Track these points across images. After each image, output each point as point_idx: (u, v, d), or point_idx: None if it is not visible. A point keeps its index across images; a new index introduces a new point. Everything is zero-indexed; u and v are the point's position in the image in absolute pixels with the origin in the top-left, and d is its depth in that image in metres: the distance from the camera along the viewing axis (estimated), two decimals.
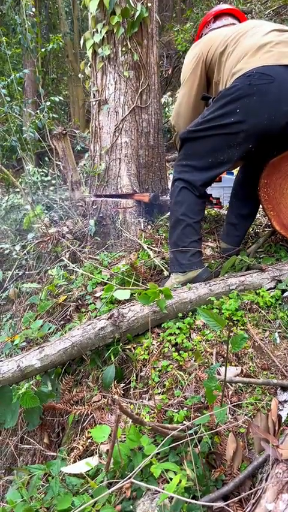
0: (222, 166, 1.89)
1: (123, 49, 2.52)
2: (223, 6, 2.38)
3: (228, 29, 2.06)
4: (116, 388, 1.64)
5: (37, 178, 5.94)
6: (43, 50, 5.63)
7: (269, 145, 1.90)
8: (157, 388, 1.60)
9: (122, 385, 1.69)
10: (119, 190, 2.64)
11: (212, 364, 1.66)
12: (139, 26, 2.51)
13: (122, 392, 1.65)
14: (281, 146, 1.90)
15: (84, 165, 6.91)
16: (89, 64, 2.72)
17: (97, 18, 2.52)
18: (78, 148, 6.63)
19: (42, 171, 6.22)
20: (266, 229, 2.51)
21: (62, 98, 6.48)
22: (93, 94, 2.68)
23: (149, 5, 2.51)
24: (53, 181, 6.27)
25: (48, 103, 5.84)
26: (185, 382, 1.57)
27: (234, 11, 2.32)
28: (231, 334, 1.18)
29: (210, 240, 2.49)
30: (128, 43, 2.51)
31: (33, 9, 5.45)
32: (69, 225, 2.73)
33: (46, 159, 7.76)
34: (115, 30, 2.47)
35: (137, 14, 2.43)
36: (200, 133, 1.86)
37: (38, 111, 5.96)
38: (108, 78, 2.58)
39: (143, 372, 1.68)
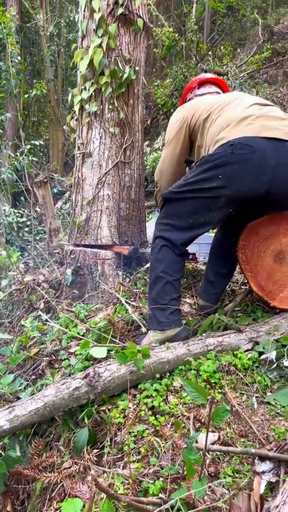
0: (202, 228, 1.94)
1: (110, 107, 2.61)
2: (208, 75, 2.53)
3: (212, 97, 2.18)
4: (88, 454, 1.56)
5: (12, 219, 5.91)
6: (26, 96, 5.78)
7: (248, 210, 1.97)
8: (132, 455, 1.53)
9: (95, 450, 1.61)
10: (98, 241, 2.65)
11: (188, 429, 1.61)
12: (126, 87, 2.62)
13: (95, 458, 1.57)
14: (259, 211, 1.97)
15: (61, 207, 6.95)
16: (75, 118, 2.79)
17: (86, 76, 2.61)
18: (55, 191, 6.68)
19: (18, 212, 6.20)
20: (243, 287, 2.55)
21: (41, 142, 6.57)
22: (78, 146, 2.74)
23: (137, 68, 2.64)
24: (28, 223, 6.24)
25: (28, 146, 5.93)
26: (161, 450, 1.52)
27: (218, 81, 2.46)
28: (210, 399, 1.16)
29: (187, 295, 2.50)
30: (115, 101, 2.60)
31: (19, 58, 5.64)
32: (45, 273, 2.69)
33: (22, 198, 7.76)
34: (103, 89, 2.56)
35: (125, 76, 2.54)
36: (182, 195, 1.92)
37: (17, 153, 6.02)
38: (94, 132, 2.65)
39: (118, 437, 1.62)
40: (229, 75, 9.34)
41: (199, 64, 9.47)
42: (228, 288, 2.53)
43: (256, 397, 1.74)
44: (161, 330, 1.95)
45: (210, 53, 11.02)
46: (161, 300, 1.96)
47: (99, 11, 2.52)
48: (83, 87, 2.63)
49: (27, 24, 10.17)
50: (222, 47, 11.35)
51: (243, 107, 1.90)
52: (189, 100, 2.41)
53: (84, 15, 2.65)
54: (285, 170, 1.78)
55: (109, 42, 2.52)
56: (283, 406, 1.68)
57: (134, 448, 1.55)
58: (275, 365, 1.83)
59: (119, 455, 1.57)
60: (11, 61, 5.97)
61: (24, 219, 6.38)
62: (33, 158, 6.27)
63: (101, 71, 2.53)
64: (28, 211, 6.49)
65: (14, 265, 2.84)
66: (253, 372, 1.83)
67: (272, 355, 1.82)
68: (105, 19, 2.53)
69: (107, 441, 1.62)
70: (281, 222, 1.95)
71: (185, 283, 2.63)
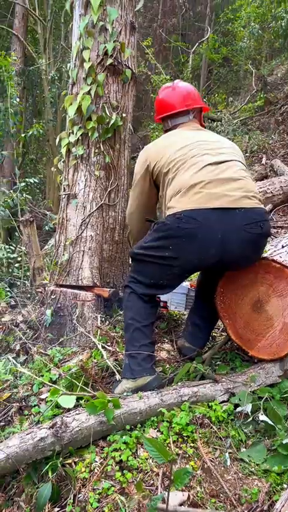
0: (163, 289, 2.03)
1: (96, 151, 2.66)
2: (182, 91, 2.30)
3: (179, 142, 2.05)
4: None
5: (3, 254, 5.90)
6: (23, 135, 5.94)
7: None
8: None
9: (57, 508, 1.52)
10: (79, 281, 2.62)
11: (157, 487, 1.53)
12: (113, 132, 2.67)
13: None
14: (223, 270, 2.01)
15: (53, 245, 6.95)
16: (62, 160, 2.83)
17: (74, 121, 2.68)
18: (47, 229, 6.72)
19: (9, 248, 6.20)
20: (223, 334, 2.51)
21: (36, 181, 6.67)
22: (64, 188, 2.77)
23: (124, 115, 2.71)
24: (19, 259, 6.22)
25: (23, 184, 6.02)
26: (125, 510, 1.43)
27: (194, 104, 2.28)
28: (171, 461, 1.10)
29: (166, 340, 2.45)
30: (101, 146, 2.66)
31: (18, 99, 5.84)
32: (25, 313, 2.65)
33: (17, 234, 7.78)
34: (90, 134, 2.62)
35: (112, 122, 2.60)
36: (142, 257, 1.98)
37: (12, 190, 6.10)
38: (80, 175, 2.69)
39: (82, 494, 1.53)
40: (223, 121, 9.65)
41: None
42: None
43: (229, 453, 1.66)
44: (132, 378, 1.89)
45: (205, 100, 11.45)
46: (131, 347, 1.93)
47: (89, 60, 2.62)
48: (70, 131, 2.69)
49: (30, 68, 10.59)
50: (217, 95, 11.81)
51: (195, 169, 1.86)
52: (165, 129, 2.34)
53: (75, 63, 2.75)
54: (234, 238, 1.80)
55: (97, 89, 2.59)
56: (257, 464, 1.61)
57: (98, 507, 1.47)
58: (251, 418, 1.77)
59: None
60: (10, 103, 6.16)
61: (15, 255, 6.37)
62: (27, 195, 6.33)
63: (89, 117, 2.60)
64: (19, 247, 6.50)
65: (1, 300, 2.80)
66: (227, 425, 1.77)
67: (248, 408, 1.77)
68: (94, 68, 2.62)
69: (70, 498, 1.53)
70: (258, 270, 1.95)
71: (165, 327, 2.59)
